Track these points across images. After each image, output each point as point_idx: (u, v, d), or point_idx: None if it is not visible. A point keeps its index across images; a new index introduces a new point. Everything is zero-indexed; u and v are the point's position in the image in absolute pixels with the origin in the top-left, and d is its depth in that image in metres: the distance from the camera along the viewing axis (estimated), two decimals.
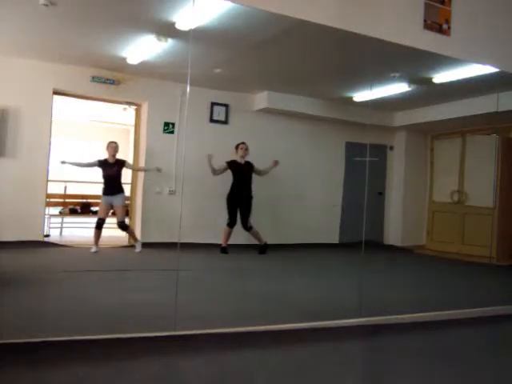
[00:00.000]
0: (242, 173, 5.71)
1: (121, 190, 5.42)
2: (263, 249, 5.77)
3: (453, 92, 5.67)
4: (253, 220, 5.75)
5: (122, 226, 5.39)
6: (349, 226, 6.88)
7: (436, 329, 3.03)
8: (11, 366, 2.05)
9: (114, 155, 5.37)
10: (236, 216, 5.67)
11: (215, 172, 5.60)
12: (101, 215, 5.33)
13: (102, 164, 5.35)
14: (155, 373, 2.11)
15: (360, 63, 4.36)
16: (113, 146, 5.37)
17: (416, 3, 3.59)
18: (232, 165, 5.71)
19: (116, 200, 5.33)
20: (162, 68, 5.28)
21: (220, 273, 4.63)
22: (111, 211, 5.59)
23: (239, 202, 5.68)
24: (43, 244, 5.36)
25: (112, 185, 5.35)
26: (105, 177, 5.36)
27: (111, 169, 5.34)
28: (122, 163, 5.43)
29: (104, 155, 5.44)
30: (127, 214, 5.85)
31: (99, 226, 5.26)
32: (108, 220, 5.56)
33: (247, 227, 5.68)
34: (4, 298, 3.12)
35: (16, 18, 4.04)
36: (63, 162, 5.31)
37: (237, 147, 5.75)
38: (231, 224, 5.65)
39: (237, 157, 5.75)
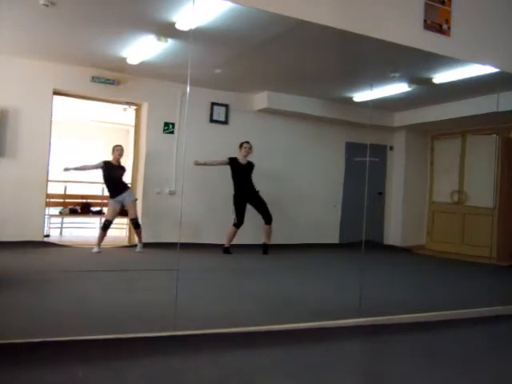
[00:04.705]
0: (241, 172, 5.70)
1: (127, 188, 5.48)
2: (266, 248, 5.76)
3: (453, 92, 5.67)
4: (253, 220, 5.74)
5: (136, 223, 5.38)
6: (349, 225, 6.89)
7: (436, 329, 3.03)
8: (11, 366, 2.05)
9: (118, 159, 5.39)
10: (243, 216, 5.65)
11: (215, 162, 5.66)
12: (108, 217, 5.33)
13: (107, 165, 5.35)
14: (155, 373, 2.11)
15: (360, 63, 4.37)
16: (119, 149, 5.39)
17: (416, 3, 3.59)
18: (233, 162, 5.70)
19: (128, 197, 5.36)
20: (162, 68, 5.28)
21: (220, 273, 4.63)
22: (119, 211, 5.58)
23: (248, 199, 5.67)
24: (43, 244, 5.35)
25: (118, 186, 5.37)
26: (109, 179, 5.37)
27: (116, 171, 5.37)
28: (123, 169, 5.49)
29: (104, 155, 5.44)
30: (126, 214, 5.84)
31: (106, 227, 5.26)
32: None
33: (269, 219, 5.69)
34: (4, 297, 3.12)
35: (16, 17, 4.04)
36: (66, 169, 5.28)
37: (240, 146, 5.75)
38: (238, 224, 5.62)
39: (239, 155, 5.74)
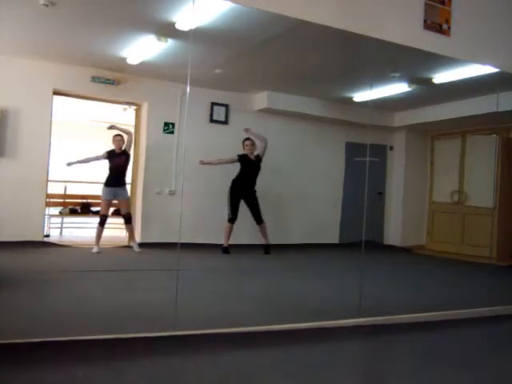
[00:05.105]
0: (251, 167, 5.71)
1: (125, 183, 5.45)
2: (267, 249, 5.76)
3: (453, 92, 5.67)
4: (252, 220, 5.74)
5: (129, 217, 5.39)
6: (349, 226, 6.88)
7: (436, 329, 3.04)
8: (11, 366, 2.05)
9: (120, 147, 5.38)
10: (237, 210, 5.65)
11: (222, 161, 5.65)
12: (103, 211, 5.33)
13: (110, 154, 5.37)
14: (155, 373, 2.11)
15: (360, 63, 4.37)
16: (118, 139, 5.39)
17: (416, 3, 3.59)
18: (243, 158, 5.71)
19: (120, 192, 5.34)
20: (162, 68, 5.28)
21: (219, 273, 4.63)
22: (114, 208, 5.57)
23: (243, 195, 5.67)
24: (43, 244, 5.35)
25: (119, 176, 5.36)
26: (112, 167, 5.36)
27: (120, 158, 5.35)
28: (127, 153, 5.47)
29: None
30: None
31: (103, 222, 5.26)
32: (108, 220, 5.54)
33: (260, 220, 5.67)
34: (4, 297, 3.12)
35: (16, 17, 4.04)
36: (69, 164, 5.30)
37: (243, 143, 5.76)
38: (232, 219, 5.62)
39: (246, 152, 5.74)
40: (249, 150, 5.71)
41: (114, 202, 5.53)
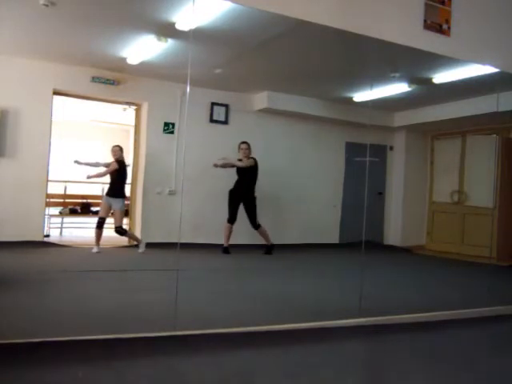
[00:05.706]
0: (240, 171, 5.68)
1: (121, 195, 5.36)
2: (269, 249, 5.75)
3: (453, 92, 5.67)
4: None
5: (119, 231, 5.31)
6: (349, 226, 6.88)
7: (436, 329, 3.04)
8: (11, 366, 2.05)
9: (116, 158, 5.31)
10: (235, 212, 5.63)
11: (236, 164, 5.62)
12: (101, 214, 5.32)
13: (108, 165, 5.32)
14: (155, 373, 2.11)
15: (360, 63, 4.37)
16: (115, 150, 5.33)
17: (416, 3, 3.59)
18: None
19: (115, 204, 5.27)
20: (162, 68, 5.28)
21: (219, 273, 4.63)
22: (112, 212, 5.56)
23: (240, 199, 5.64)
24: (43, 244, 5.35)
25: (112, 186, 5.32)
26: (110, 178, 5.33)
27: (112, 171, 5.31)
28: (121, 166, 5.35)
29: (104, 155, 5.44)
30: (127, 214, 5.84)
31: (100, 225, 5.24)
32: (108, 220, 5.53)
33: (255, 225, 5.65)
34: (4, 297, 3.12)
35: (16, 17, 4.05)
36: (77, 162, 5.28)
37: (238, 146, 5.73)
38: (230, 220, 5.61)
39: (241, 156, 5.71)
40: (243, 154, 5.67)
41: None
